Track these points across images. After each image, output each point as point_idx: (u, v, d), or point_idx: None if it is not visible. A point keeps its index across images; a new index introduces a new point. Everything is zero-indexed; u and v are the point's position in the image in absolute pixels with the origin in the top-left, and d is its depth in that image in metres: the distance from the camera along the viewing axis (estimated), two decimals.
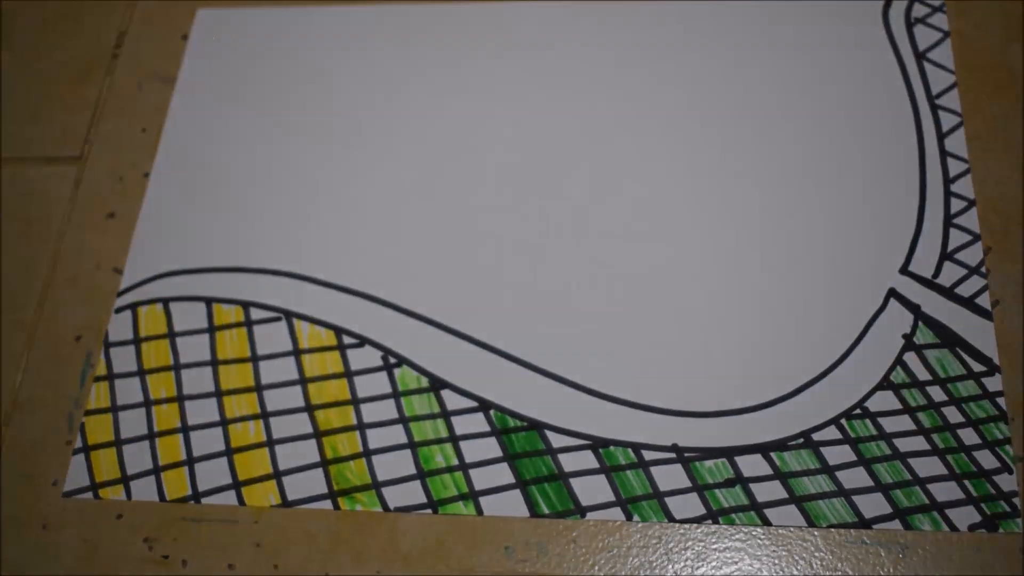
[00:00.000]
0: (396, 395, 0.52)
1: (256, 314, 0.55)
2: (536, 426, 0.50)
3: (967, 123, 0.56)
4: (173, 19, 0.66)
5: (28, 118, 0.63)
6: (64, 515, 0.51)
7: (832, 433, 0.49)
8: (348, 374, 0.53)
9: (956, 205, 0.54)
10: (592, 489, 0.49)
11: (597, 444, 0.50)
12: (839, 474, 0.48)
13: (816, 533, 0.47)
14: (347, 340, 0.54)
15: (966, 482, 0.47)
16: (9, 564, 0.50)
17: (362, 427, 0.51)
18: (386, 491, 0.50)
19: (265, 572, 0.49)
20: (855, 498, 0.48)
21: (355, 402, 0.52)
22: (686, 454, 0.49)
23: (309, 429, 0.52)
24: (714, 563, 0.47)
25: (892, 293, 0.52)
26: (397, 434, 0.51)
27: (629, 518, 0.48)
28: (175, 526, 0.50)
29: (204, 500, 0.50)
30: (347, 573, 0.48)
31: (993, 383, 0.49)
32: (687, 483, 0.49)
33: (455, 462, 0.50)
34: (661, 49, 0.60)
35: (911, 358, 0.50)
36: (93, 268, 0.57)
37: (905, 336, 0.51)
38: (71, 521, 0.51)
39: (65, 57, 0.65)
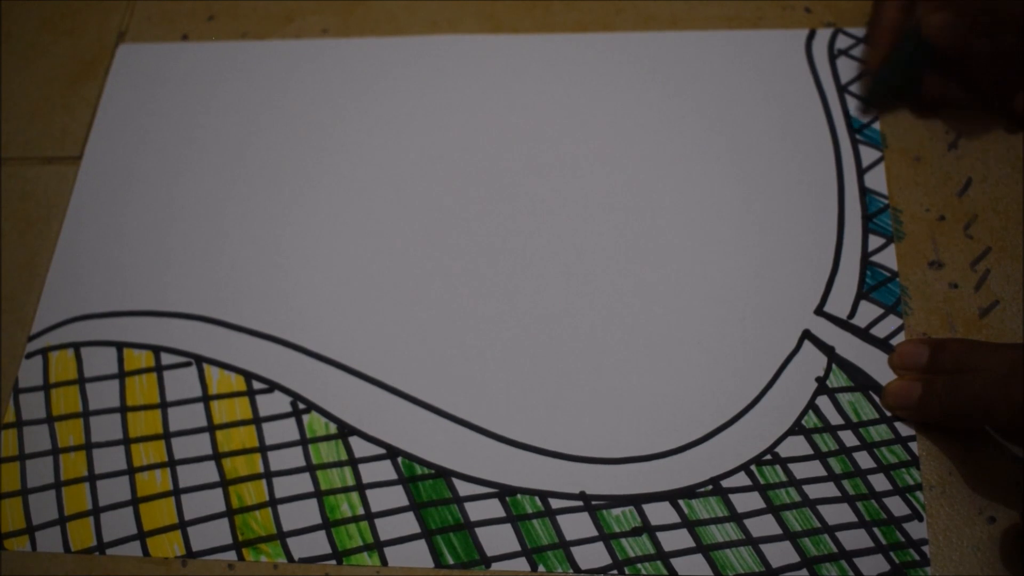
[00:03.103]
0: (304, 442, 0.51)
1: (167, 359, 0.54)
2: (443, 474, 0.50)
3: (965, 125, 0.55)
4: (173, 19, 0.65)
5: (28, 118, 0.63)
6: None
7: (742, 480, 0.48)
8: (256, 420, 0.52)
9: (874, 243, 0.53)
10: (498, 539, 0.48)
11: (504, 492, 0.49)
12: (747, 522, 0.47)
13: None
14: (257, 385, 0.53)
15: (875, 530, 0.47)
16: (9, 564, 0.50)
17: (269, 475, 0.51)
18: (291, 541, 0.49)
19: (265, 572, 0.48)
20: (763, 547, 0.47)
21: (263, 449, 0.51)
22: (593, 502, 0.49)
23: (216, 478, 0.51)
24: None
25: (806, 335, 0.51)
26: (304, 482, 0.50)
27: (534, 568, 0.47)
28: None
29: (108, 551, 0.50)
30: (347, 574, 0.48)
31: (906, 427, 0.49)
32: (593, 532, 0.48)
33: (361, 511, 0.49)
34: (576, 81, 0.59)
35: (824, 402, 0.50)
36: None
37: (818, 379, 0.50)
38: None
39: (65, 57, 0.65)
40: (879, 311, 0.51)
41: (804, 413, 0.49)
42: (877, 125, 0.56)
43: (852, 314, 0.51)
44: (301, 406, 0.52)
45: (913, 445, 0.48)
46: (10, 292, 0.57)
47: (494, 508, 0.49)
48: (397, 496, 0.50)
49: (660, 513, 0.48)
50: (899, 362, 0.49)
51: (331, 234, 0.56)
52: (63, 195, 0.60)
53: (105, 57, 0.65)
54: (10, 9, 0.67)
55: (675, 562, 0.47)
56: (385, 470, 0.50)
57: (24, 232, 0.59)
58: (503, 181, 0.57)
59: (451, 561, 0.48)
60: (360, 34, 0.63)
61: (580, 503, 0.48)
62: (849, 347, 0.51)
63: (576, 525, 0.48)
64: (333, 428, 0.51)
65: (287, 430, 0.52)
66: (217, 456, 0.51)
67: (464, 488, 0.49)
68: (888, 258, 0.52)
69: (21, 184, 0.61)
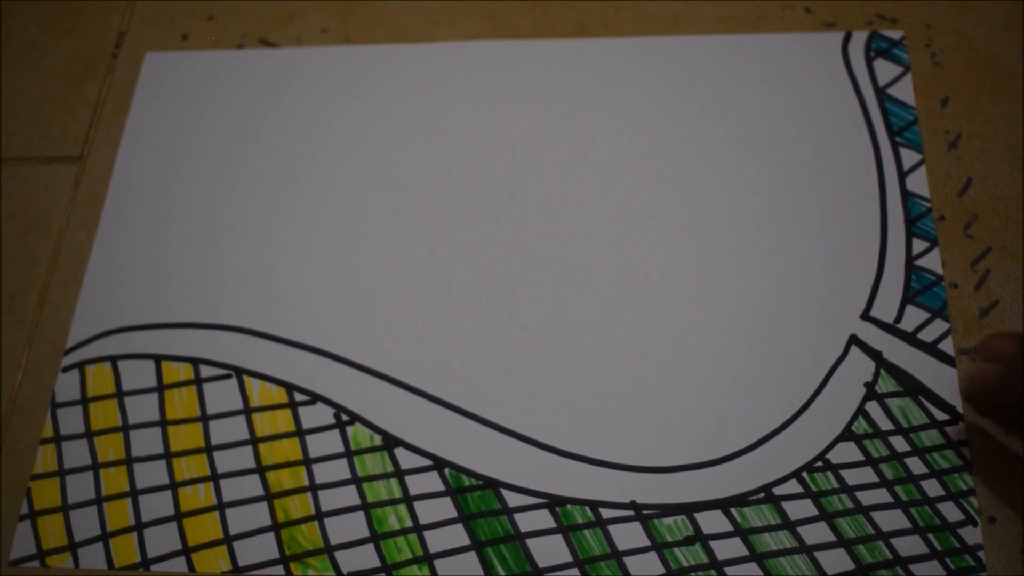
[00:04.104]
0: (349, 454, 0.51)
1: (206, 371, 0.54)
2: (492, 484, 0.49)
3: (965, 125, 0.55)
4: (173, 19, 0.65)
5: (28, 118, 0.62)
6: None
7: (793, 487, 0.48)
8: (300, 433, 0.51)
9: (918, 246, 0.53)
10: (549, 550, 0.48)
11: (554, 503, 0.49)
12: (800, 529, 0.47)
13: None
14: (299, 397, 0.52)
15: (930, 535, 0.46)
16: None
17: (314, 488, 0.50)
18: (339, 555, 0.49)
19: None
20: (817, 554, 0.47)
21: (307, 462, 0.51)
22: (645, 511, 0.48)
23: (260, 491, 0.50)
24: None
25: (853, 340, 0.51)
26: (350, 495, 0.50)
27: None
28: None
29: (153, 567, 0.49)
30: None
31: (956, 432, 0.48)
32: (646, 542, 0.48)
33: (409, 524, 0.49)
34: (613, 86, 0.59)
35: (873, 407, 0.49)
36: None
37: (867, 384, 0.50)
38: None
39: (65, 57, 0.65)
40: (925, 315, 0.51)
41: (854, 419, 0.49)
42: (917, 127, 0.56)
43: (899, 318, 0.51)
44: (345, 418, 0.51)
45: (965, 450, 0.48)
46: (10, 293, 0.57)
47: (544, 519, 0.48)
48: (445, 508, 0.49)
49: (712, 522, 0.48)
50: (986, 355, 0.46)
51: (372, 245, 0.56)
52: (63, 195, 0.59)
53: (105, 57, 0.64)
54: (10, 9, 0.67)
55: (729, 571, 0.47)
56: (432, 481, 0.50)
57: (24, 232, 0.59)
58: (540, 191, 0.56)
59: (502, 573, 0.47)
60: (360, 33, 0.63)
61: (631, 512, 0.48)
62: (897, 351, 0.50)
63: (628, 535, 0.48)
64: (378, 440, 0.51)
65: (331, 442, 0.51)
66: (261, 469, 0.51)
67: (513, 499, 0.49)
68: (933, 262, 0.52)
69: (21, 184, 0.60)
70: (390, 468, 0.50)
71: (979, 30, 0.58)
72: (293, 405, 0.52)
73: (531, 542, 0.48)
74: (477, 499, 0.49)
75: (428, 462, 0.50)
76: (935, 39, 0.58)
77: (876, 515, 0.47)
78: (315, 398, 0.52)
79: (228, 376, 0.53)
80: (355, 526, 0.49)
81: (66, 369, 0.54)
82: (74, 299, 0.56)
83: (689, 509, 0.48)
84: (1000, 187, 0.54)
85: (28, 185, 0.60)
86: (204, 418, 0.52)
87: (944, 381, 0.49)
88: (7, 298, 0.56)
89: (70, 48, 0.65)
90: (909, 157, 0.55)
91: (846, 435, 0.49)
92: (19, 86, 0.64)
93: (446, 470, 0.50)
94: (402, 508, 0.49)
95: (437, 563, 0.48)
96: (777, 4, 0.60)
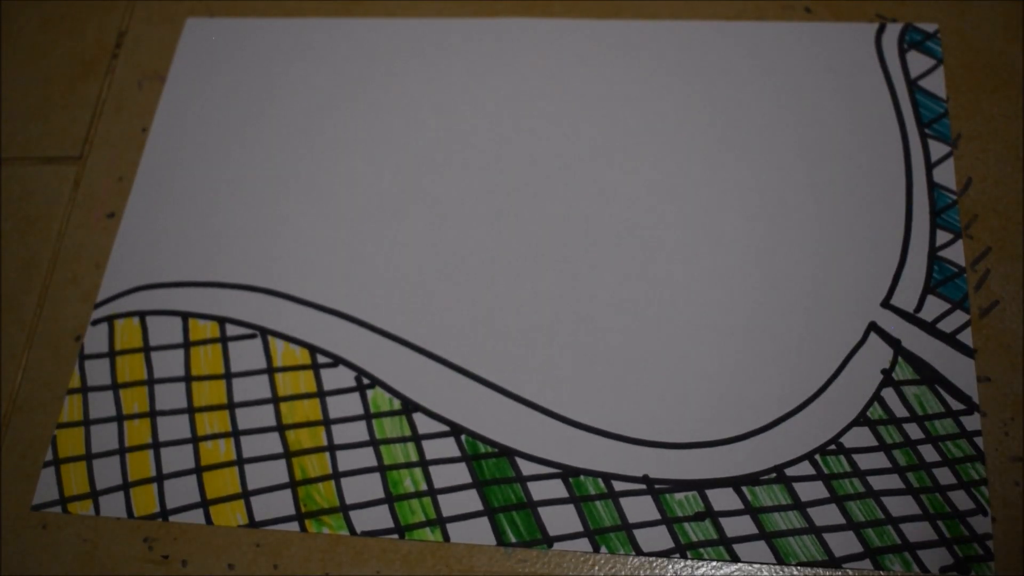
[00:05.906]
0: (368, 417, 0.52)
1: (232, 330, 0.54)
2: (507, 453, 0.50)
3: (965, 125, 0.55)
4: (173, 19, 0.66)
5: (28, 118, 0.63)
6: (64, 515, 0.51)
7: (806, 468, 0.48)
8: (321, 394, 0.52)
9: (942, 237, 0.53)
10: (560, 519, 0.48)
11: (567, 473, 0.49)
12: (811, 511, 0.48)
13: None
14: (321, 359, 0.53)
15: (939, 523, 0.47)
16: (9, 564, 0.50)
17: (332, 448, 0.51)
18: (353, 514, 0.49)
19: (265, 572, 0.49)
20: (826, 536, 0.47)
21: (326, 423, 0.52)
22: (656, 486, 0.49)
23: (279, 449, 0.51)
24: None
25: (872, 327, 0.51)
26: (367, 456, 0.51)
27: (596, 549, 0.48)
28: (176, 526, 0.50)
29: (172, 518, 0.50)
30: (347, 573, 0.48)
31: (971, 422, 0.49)
32: (656, 515, 0.48)
33: (424, 487, 0.50)
34: (646, 69, 0.59)
35: (889, 394, 0.50)
36: (93, 268, 0.57)
37: (884, 371, 0.50)
38: (71, 521, 0.51)
39: (65, 57, 0.65)
40: (946, 306, 0.51)
41: (869, 404, 0.49)
42: (947, 120, 0.56)
43: (919, 308, 0.51)
44: (365, 381, 0.52)
45: (979, 440, 0.48)
46: (10, 293, 0.57)
47: (557, 488, 0.49)
48: (460, 473, 0.50)
49: (723, 499, 0.48)
50: None
51: (397, 212, 0.56)
52: (63, 195, 0.60)
53: (105, 57, 0.65)
54: (10, 9, 0.67)
55: (738, 548, 0.47)
56: (448, 447, 0.50)
57: (24, 232, 0.59)
58: (569, 166, 0.57)
59: (513, 539, 0.48)
60: None
61: (643, 486, 0.49)
62: (916, 340, 0.51)
63: (639, 508, 0.48)
64: (397, 404, 0.52)
65: (351, 404, 0.52)
66: (281, 428, 0.52)
67: (527, 468, 0.50)
68: (955, 253, 0.52)
69: (21, 184, 0.61)
70: (408, 432, 0.51)
71: (979, 30, 0.58)
72: (316, 367, 0.53)
73: (543, 510, 0.49)
74: (492, 466, 0.50)
75: (445, 428, 0.51)
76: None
77: (886, 500, 0.47)
78: (337, 361, 0.53)
79: (253, 336, 0.54)
80: (371, 487, 0.50)
81: (95, 322, 0.55)
82: (74, 299, 0.57)
83: (701, 485, 0.48)
84: (1000, 187, 0.54)
85: (28, 185, 0.61)
86: (228, 375, 0.53)
87: (961, 371, 0.50)
88: (7, 298, 0.57)
89: (70, 48, 0.65)
90: (937, 149, 0.55)
91: (860, 420, 0.49)
92: (19, 86, 0.64)
93: (463, 436, 0.51)
94: (418, 472, 0.50)
95: (450, 527, 0.49)
96: (777, 4, 0.61)
